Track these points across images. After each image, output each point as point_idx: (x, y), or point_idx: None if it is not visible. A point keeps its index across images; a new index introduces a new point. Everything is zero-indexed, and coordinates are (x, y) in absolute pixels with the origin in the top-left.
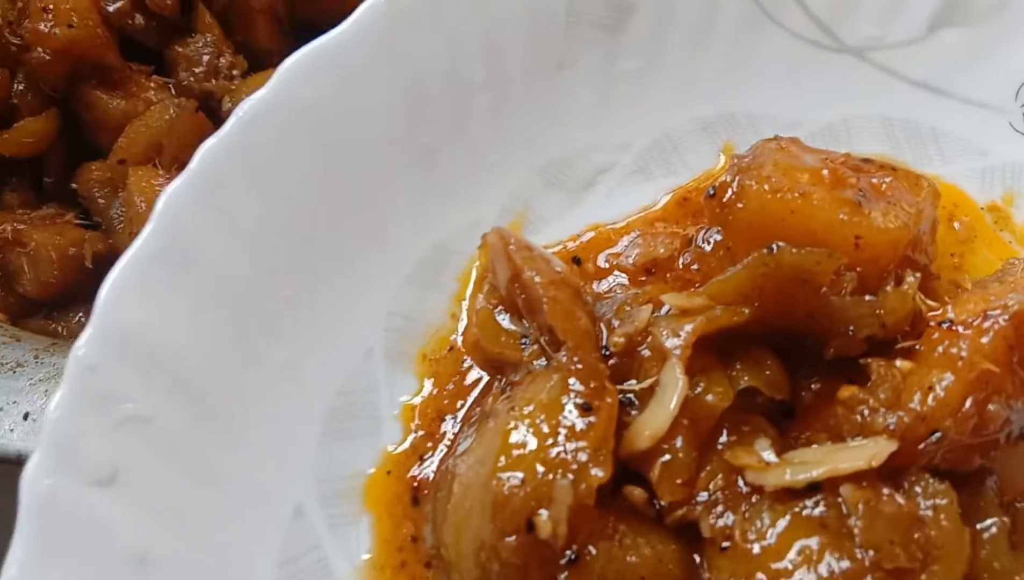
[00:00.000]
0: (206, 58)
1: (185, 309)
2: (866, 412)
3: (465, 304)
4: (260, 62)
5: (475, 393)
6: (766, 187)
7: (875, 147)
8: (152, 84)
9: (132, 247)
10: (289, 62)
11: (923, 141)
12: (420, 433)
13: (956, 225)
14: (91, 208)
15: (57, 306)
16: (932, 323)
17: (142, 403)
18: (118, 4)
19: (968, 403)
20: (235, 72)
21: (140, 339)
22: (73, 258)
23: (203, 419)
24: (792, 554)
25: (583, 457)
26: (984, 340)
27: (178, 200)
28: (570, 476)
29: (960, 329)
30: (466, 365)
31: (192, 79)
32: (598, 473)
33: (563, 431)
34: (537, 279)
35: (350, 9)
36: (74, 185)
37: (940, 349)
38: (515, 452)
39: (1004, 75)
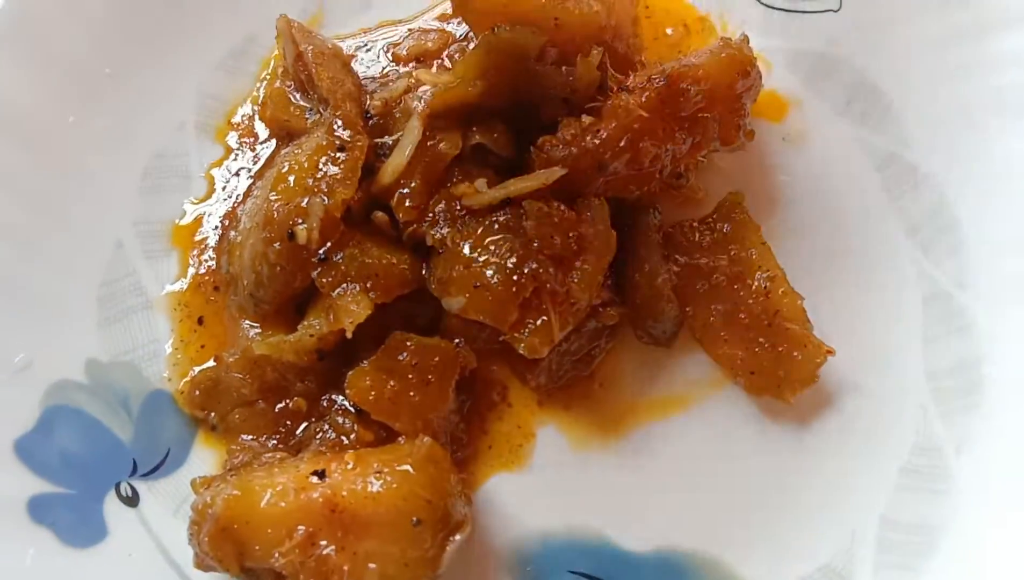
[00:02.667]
0: None
1: (26, 76)
2: (549, 148)
3: (263, 85)
4: None
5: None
6: None
7: None
8: None
9: None
10: None
11: None
12: (222, 187)
13: (668, 31)
14: None
15: None
16: (614, 89)
17: None
18: None
19: (624, 141)
20: None
21: None
22: None
23: (39, 166)
24: (483, 250)
25: (334, 182)
26: (644, 96)
27: None
28: (323, 197)
29: (631, 90)
30: (264, 135)
31: None
32: (344, 191)
33: (321, 165)
34: (310, 51)
35: None
36: None
37: (611, 104)
38: (282, 184)
39: None
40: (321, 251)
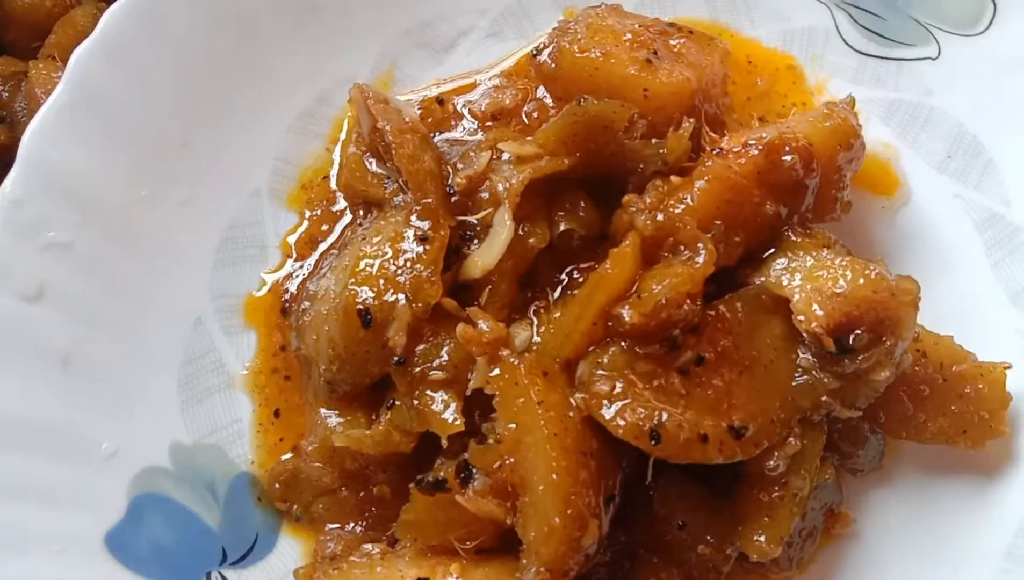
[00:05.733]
0: None
1: (97, 152)
2: (632, 210)
3: (338, 149)
4: None
5: (343, 223)
6: (576, 48)
7: (696, 13)
8: None
9: (49, 99)
10: None
11: (736, 8)
12: (295, 258)
13: (759, 81)
14: None
15: None
16: (708, 150)
17: (62, 232)
18: None
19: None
20: None
21: (59, 177)
22: None
23: (115, 245)
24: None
25: (419, 282)
26: (740, 161)
27: (87, 57)
28: (407, 295)
29: (726, 154)
30: (339, 202)
31: None
32: (430, 294)
33: (402, 255)
34: (388, 128)
35: None
36: None
37: (705, 164)
38: (362, 273)
39: None
40: (397, 357)
